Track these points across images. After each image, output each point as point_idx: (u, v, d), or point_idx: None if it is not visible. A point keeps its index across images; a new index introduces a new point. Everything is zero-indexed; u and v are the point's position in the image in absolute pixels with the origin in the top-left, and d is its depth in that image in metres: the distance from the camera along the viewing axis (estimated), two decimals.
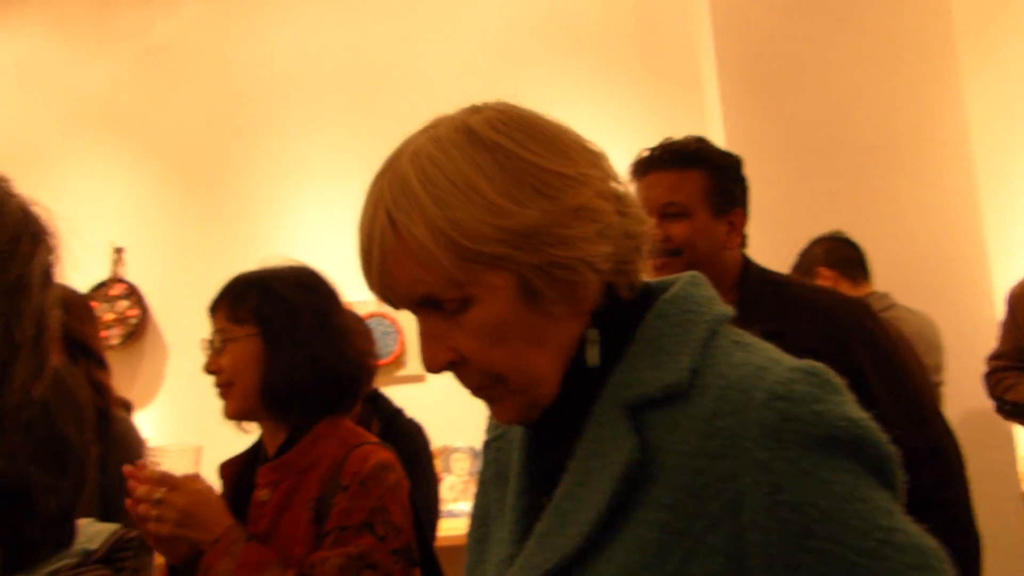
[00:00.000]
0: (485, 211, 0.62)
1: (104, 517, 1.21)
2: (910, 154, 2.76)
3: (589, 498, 0.64)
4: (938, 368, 2.44)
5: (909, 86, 2.78)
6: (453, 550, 1.95)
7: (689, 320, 0.67)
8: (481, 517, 0.81)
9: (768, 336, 0.69)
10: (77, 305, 1.82)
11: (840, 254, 2.50)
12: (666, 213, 1.42)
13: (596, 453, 0.65)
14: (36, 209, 0.38)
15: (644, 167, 1.46)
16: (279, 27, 3.68)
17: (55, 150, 3.71)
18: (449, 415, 2.46)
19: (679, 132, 1.52)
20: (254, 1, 3.73)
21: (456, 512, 3.07)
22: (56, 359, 0.40)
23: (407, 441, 1.81)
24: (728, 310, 0.69)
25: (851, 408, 0.60)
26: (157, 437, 3.30)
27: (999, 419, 2.55)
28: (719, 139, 2.72)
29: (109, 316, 3.54)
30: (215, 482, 1.35)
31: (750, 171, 1.52)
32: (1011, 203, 3.31)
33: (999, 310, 2.61)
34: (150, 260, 3.63)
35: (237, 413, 1.32)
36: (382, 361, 3.26)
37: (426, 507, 1.73)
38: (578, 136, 0.69)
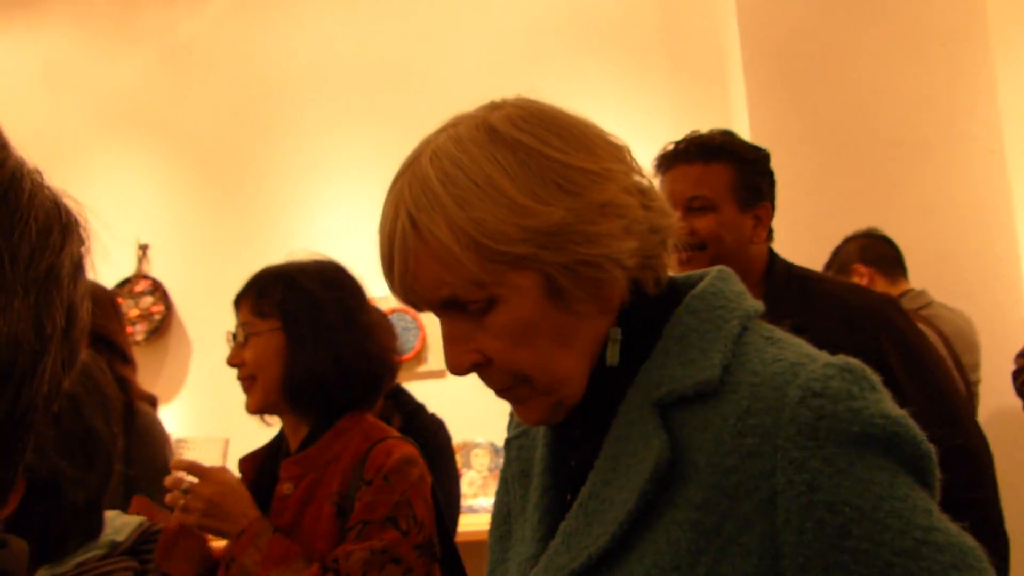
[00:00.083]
0: (508, 211, 0.61)
1: (127, 510, 1.22)
2: (940, 148, 2.70)
3: (617, 497, 0.63)
4: (975, 367, 2.38)
5: (940, 78, 2.72)
6: (473, 546, 1.95)
7: (719, 316, 0.66)
8: (503, 515, 0.80)
9: (796, 331, 0.67)
10: (103, 301, 1.84)
11: (876, 251, 2.45)
12: (691, 207, 1.40)
13: (624, 452, 0.64)
14: (67, 201, 0.38)
15: (669, 160, 1.45)
16: (302, 25, 3.69)
17: (80, 148, 3.76)
18: (469, 411, 2.46)
19: (704, 127, 1.50)
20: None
21: (476, 508, 3.07)
22: (84, 352, 0.40)
23: (429, 436, 1.82)
24: (758, 305, 0.68)
25: (888, 405, 0.59)
26: (181, 432, 3.33)
27: None
28: (744, 133, 2.68)
29: (134, 312, 3.58)
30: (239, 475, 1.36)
31: (776, 166, 1.50)
32: None
33: None
34: (174, 256, 3.67)
35: (259, 407, 1.32)
36: (403, 357, 3.26)
37: (447, 502, 1.73)
38: (600, 130, 0.68)
